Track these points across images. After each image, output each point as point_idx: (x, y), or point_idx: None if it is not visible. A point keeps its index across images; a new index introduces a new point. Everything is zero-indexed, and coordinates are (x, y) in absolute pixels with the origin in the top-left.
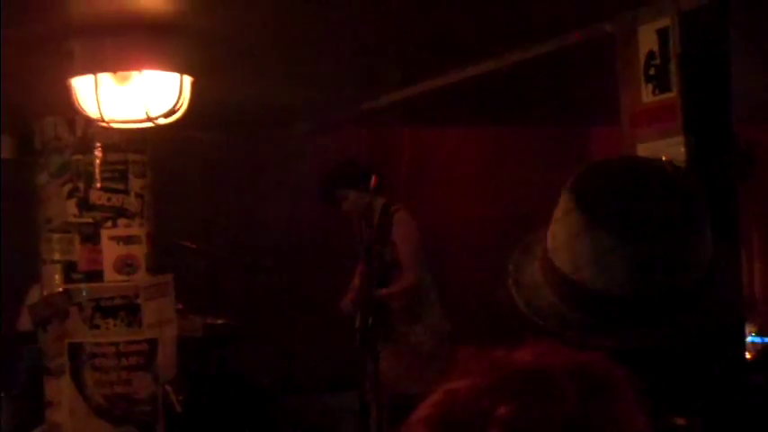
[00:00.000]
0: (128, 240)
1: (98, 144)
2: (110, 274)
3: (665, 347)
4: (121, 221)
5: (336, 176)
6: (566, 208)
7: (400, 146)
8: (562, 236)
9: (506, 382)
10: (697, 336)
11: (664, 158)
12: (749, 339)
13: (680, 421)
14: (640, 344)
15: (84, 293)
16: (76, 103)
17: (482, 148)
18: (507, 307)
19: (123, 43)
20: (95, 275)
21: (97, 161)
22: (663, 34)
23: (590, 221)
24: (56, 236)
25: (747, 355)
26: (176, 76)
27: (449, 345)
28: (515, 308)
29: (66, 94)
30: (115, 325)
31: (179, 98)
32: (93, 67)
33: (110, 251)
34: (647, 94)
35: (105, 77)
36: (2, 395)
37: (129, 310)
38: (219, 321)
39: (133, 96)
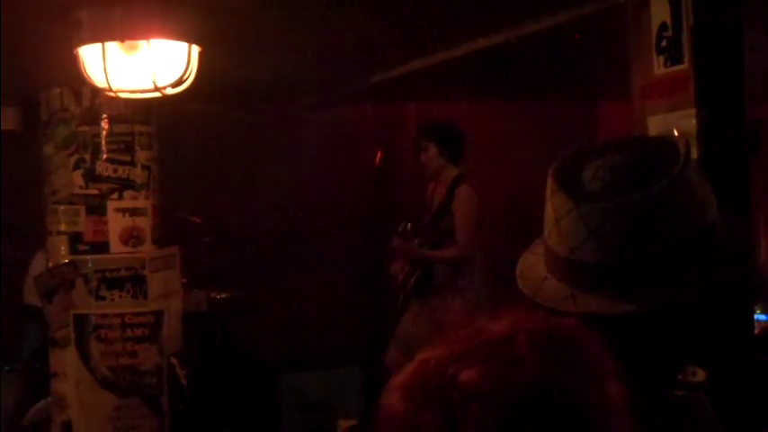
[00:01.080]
0: (134, 212)
1: (104, 115)
2: (115, 246)
3: (670, 313)
4: (127, 193)
5: (430, 128)
6: (549, 191)
7: (407, 120)
8: (551, 218)
9: (473, 349)
10: (698, 301)
11: (675, 132)
12: (755, 317)
13: (679, 393)
14: (644, 308)
15: (89, 265)
16: (84, 72)
17: (490, 123)
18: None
19: (131, 12)
20: (101, 247)
21: (104, 132)
22: (675, 5)
23: (573, 201)
24: (61, 207)
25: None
26: (184, 45)
27: None
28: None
29: (74, 63)
30: (121, 296)
31: (187, 68)
32: (102, 36)
33: (116, 223)
34: (659, 66)
35: (113, 46)
36: (5, 369)
37: (134, 282)
38: (224, 296)
39: (141, 66)
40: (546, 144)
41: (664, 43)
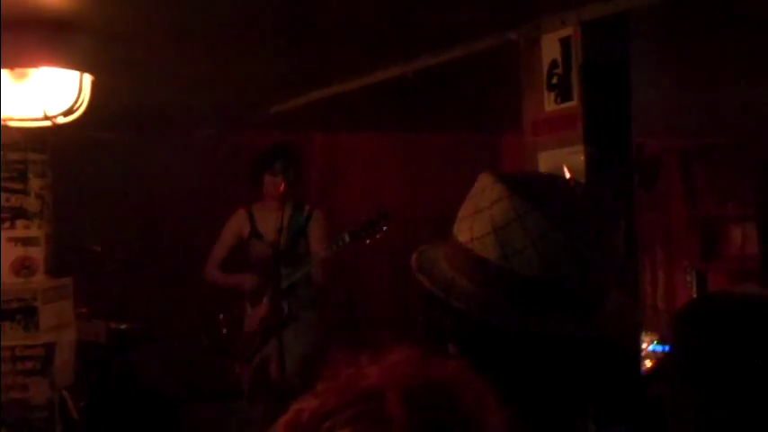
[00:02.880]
0: (26, 242)
1: None
2: (7, 276)
3: (561, 355)
4: (20, 222)
5: (287, 148)
6: (494, 197)
7: (311, 150)
8: (488, 225)
9: (344, 405)
10: (610, 335)
11: (565, 168)
12: (651, 348)
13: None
14: (564, 331)
15: None
16: None
17: (394, 154)
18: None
19: (21, 39)
20: None
21: None
22: (565, 44)
23: (527, 206)
24: None
25: (648, 364)
26: (76, 74)
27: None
28: (424, 312)
29: None
30: (11, 328)
31: (78, 97)
32: None
33: (7, 252)
34: (550, 103)
35: (2, 73)
36: None
37: (25, 313)
38: (123, 326)
39: (31, 94)
40: (446, 175)
41: (554, 80)
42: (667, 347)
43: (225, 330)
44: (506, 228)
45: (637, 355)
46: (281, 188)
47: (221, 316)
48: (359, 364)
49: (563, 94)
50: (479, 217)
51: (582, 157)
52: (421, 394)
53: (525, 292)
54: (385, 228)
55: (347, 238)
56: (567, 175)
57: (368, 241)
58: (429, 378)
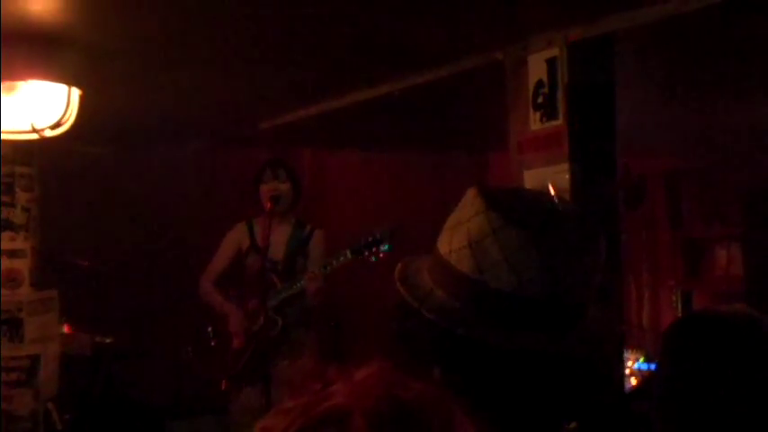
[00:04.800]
0: (12, 254)
1: None
2: None
3: (542, 369)
4: (6, 234)
5: (288, 163)
6: (472, 211)
7: (300, 167)
8: (465, 239)
9: (311, 427)
10: (579, 354)
11: (550, 187)
12: (636, 366)
13: None
14: (534, 348)
15: None
16: None
17: (384, 172)
18: (392, 324)
19: (9, 52)
20: None
21: None
22: (551, 63)
23: (502, 221)
24: None
25: (634, 382)
26: (64, 87)
27: None
28: (400, 322)
29: None
30: None
31: (66, 110)
32: None
33: None
34: (535, 122)
35: None
36: None
37: (10, 325)
38: (108, 340)
39: (18, 107)
40: (434, 195)
41: (540, 99)
42: (653, 366)
43: (213, 343)
44: (481, 242)
45: (616, 372)
46: (276, 199)
47: (210, 328)
48: (327, 380)
49: (549, 113)
50: (459, 229)
51: (567, 176)
52: (387, 418)
53: (497, 307)
54: (388, 247)
55: (348, 255)
56: (553, 193)
57: (373, 259)
58: (397, 399)
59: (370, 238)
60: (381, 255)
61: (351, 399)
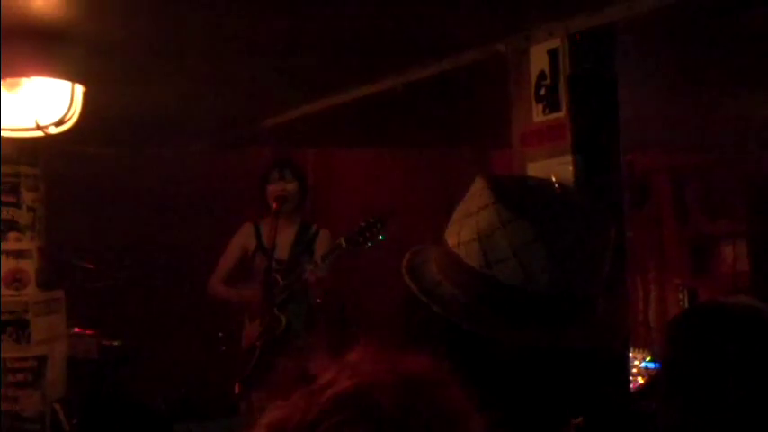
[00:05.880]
0: (18, 255)
1: None
2: None
3: (552, 360)
4: (12, 235)
5: (294, 162)
6: (481, 203)
7: (304, 165)
8: (473, 232)
9: (332, 412)
10: (585, 348)
11: (553, 179)
12: (643, 365)
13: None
14: (541, 343)
15: None
16: None
17: (387, 169)
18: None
19: (12, 49)
20: None
21: None
22: (553, 55)
23: (511, 215)
24: None
25: (640, 380)
26: (67, 84)
27: None
28: (407, 312)
29: None
30: (3, 340)
31: (70, 107)
32: None
33: None
34: (538, 114)
35: None
36: None
37: (17, 326)
38: (116, 343)
39: (22, 104)
40: (437, 191)
41: (542, 92)
42: (659, 364)
43: (224, 348)
44: (491, 236)
45: (623, 367)
46: (282, 200)
47: (220, 334)
48: (314, 371)
49: (551, 105)
50: (467, 222)
51: (570, 168)
52: (398, 390)
53: (505, 301)
54: (382, 235)
55: (344, 244)
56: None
57: (368, 245)
58: (398, 372)
59: (362, 224)
60: (378, 239)
61: (356, 379)
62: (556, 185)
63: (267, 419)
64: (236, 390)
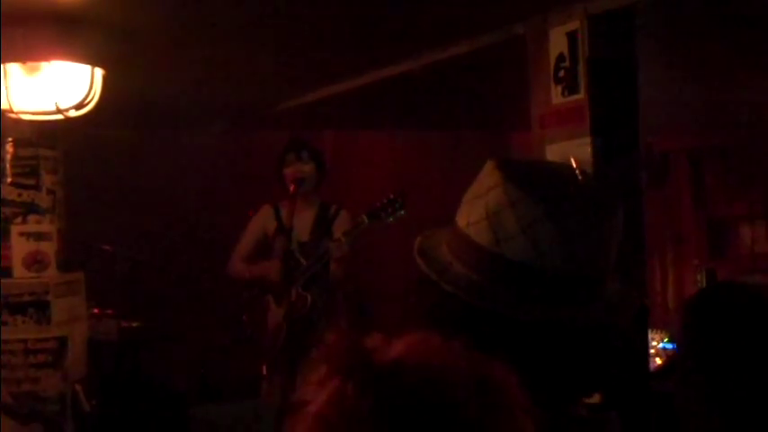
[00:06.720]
0: (38, 237)
1: (9, 139)
2: (19, 271)
3: (571, 338)
4: (32, 217)
5: (309, 143)
6: (490, 183)
7: (321, 147)
8: (483, 211)
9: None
10: (596, 326)
11: (572, 160)
12: (661, 345)
13: (583, 413)
14: (555, 319)
15: None
16: None
17: (405, 152)
18: (414, 299)
19: (33, 33)
20: (4, 272)
21: (8, 156)
22: (572, 37)
23: (520, 193)
24: None
25: (659, 361)
26: (87, 68)
27: None
28: (422, 298)
29: None
30: (24, 322)
31: (90, 91)
32: (2, 57)
33: (19, 247)
34: (557, 96)
35: (14, 67)
36: None
37: (37, 307)
38: (135, 325)
39: (43, 88)
40: (455, 174)
41: (561, 74)
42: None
43: (249, 331)
44: (499, 214)
45: (641, 348)
46: (300, 182)
47: (245, 317)
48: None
49: (570, 87)
50: (476, 202)
51: (589, 149)
52: (478, 388)
53: (514, 278)
54: (403, 211)
55: (366, 220)
56: (574, 165)
57: (390, 219)
58: (475, 370)
59: (385, 200)
60: (400, 214)
61: (425, 370)
62: (565, 167)
63: (315, 408)
64: (263, 371)
